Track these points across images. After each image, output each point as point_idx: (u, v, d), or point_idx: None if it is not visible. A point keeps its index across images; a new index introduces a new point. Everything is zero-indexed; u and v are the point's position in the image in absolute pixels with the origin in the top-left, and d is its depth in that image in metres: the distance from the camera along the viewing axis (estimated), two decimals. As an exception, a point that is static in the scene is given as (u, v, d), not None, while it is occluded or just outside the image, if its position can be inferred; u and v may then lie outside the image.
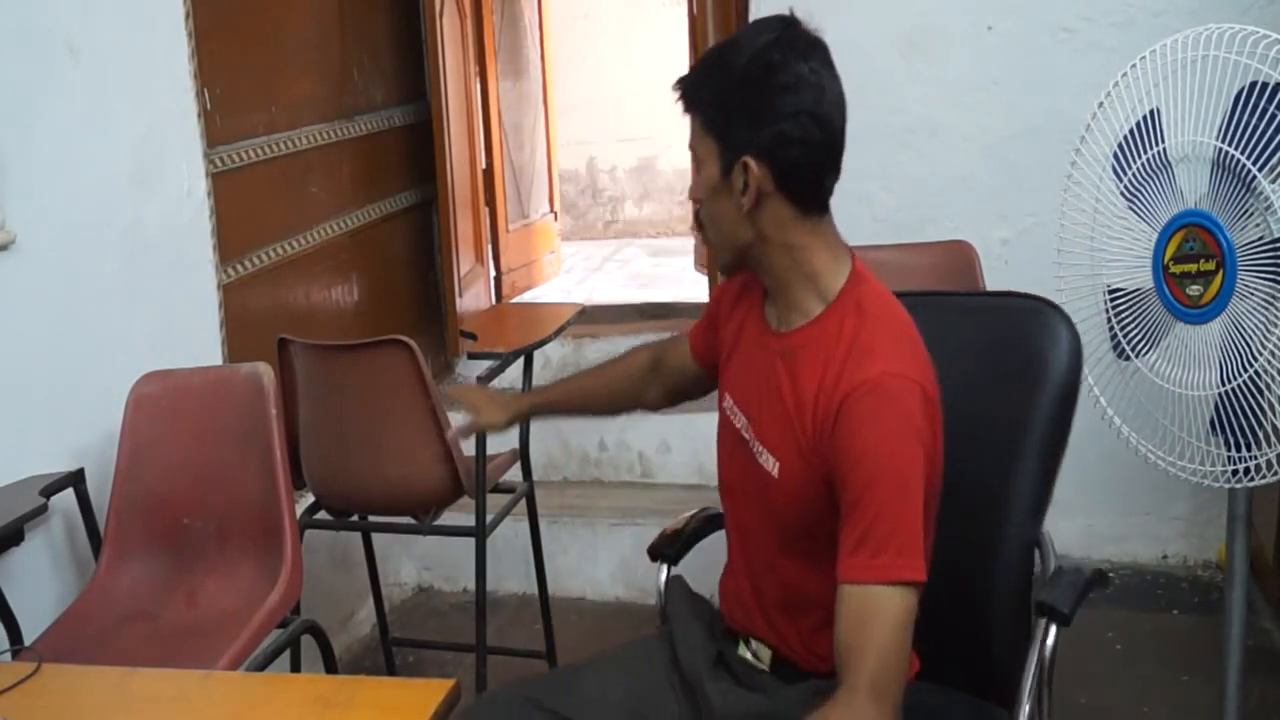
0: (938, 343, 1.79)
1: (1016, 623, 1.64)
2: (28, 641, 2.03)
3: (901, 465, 1.36)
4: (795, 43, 1.42)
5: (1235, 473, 1.95)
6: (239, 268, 2.85)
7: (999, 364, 1.73)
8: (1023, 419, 1.67)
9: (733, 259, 1.53)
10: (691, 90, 1.48)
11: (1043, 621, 1.56)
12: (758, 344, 1.56)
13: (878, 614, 1.33)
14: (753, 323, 1.58)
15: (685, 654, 1.65)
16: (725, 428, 1.61)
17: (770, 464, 1.50)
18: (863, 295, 1.47)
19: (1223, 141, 1.89)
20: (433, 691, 1.37)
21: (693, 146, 1.49)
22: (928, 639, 1.49)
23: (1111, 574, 3.37)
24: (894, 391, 1.38)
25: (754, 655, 1.60)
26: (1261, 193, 1.84)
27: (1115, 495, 3.18)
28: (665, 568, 1.84)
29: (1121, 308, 2.10)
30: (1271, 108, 1.82)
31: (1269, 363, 1.86)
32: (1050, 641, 1.55)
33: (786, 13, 1.46)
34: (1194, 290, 1.97)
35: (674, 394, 1.87)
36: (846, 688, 1.31)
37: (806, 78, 1.41)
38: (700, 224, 1.55)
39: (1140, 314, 2.08)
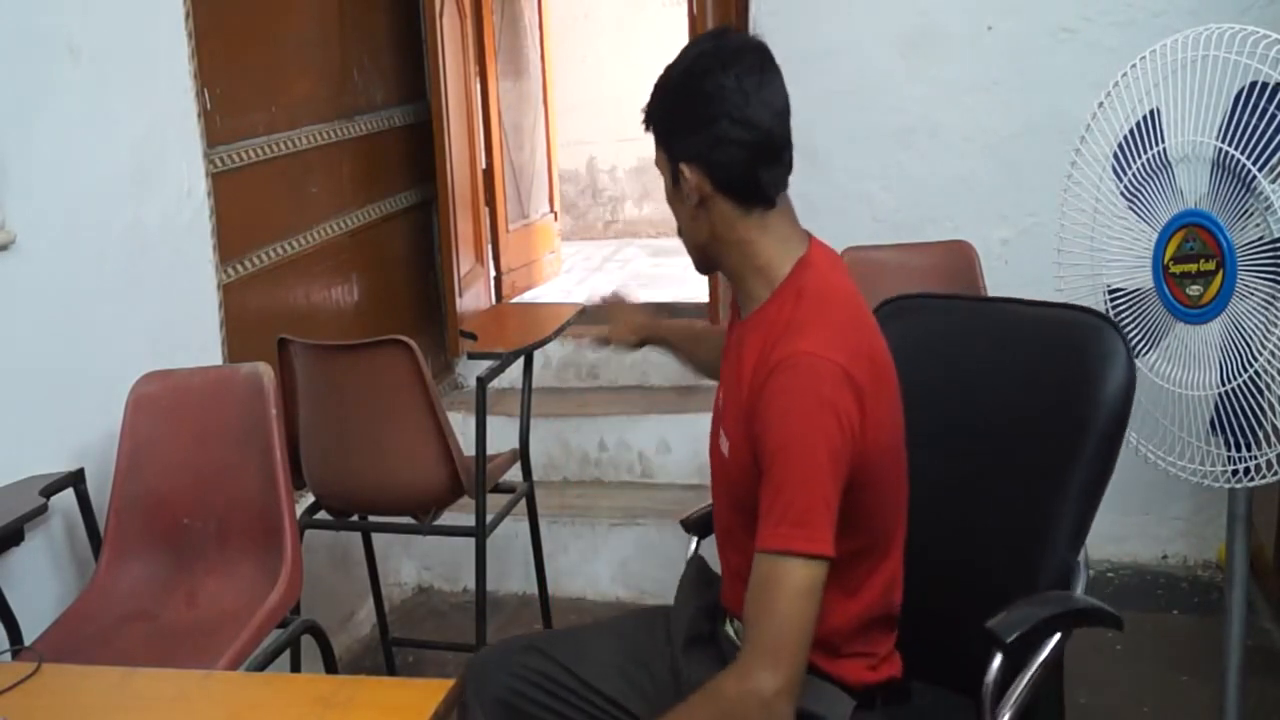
0: (989, 352, 1.77)
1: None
2: (28, 641, 2.03)
3: (808, 440, 1.41)
4: (720, 53, 1.52)
5: (1235, 473, 1.95)
6: (239, 268, 2.85)
7: (1051, 383, 1.68)
8: (1070, 445, 1.62)
9: (699, 259, 1.65)
10: (647, 110, 1.59)
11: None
12: (732, 335, 1.66)
13: (777, 582, 1.38)
14: (734, 316, 1.67)
15: (674, 627, 1.73)
16: (714, 418, 1.69)
17: (725, 445, 1.59)
18: (804, 281, 1.53)
19: (1223, 141, 1.89)
20: (433, 691, 1.37)
21: (656, 161, 1.60)
22: (953, 648, 1.49)
23: (1111, 574, 3.38)
24: (809, 369, 1.43)
25: (735, 633, 1.65)
26: (1261, 193, 1.85)
27: (1115, 495, 3.16)
28: (694, 542, 1.93)
29: (1121, 308, 2.10)
30: (1271, 108, 1.82)
31: (1269, 363, 1.86)
32: (996, 666, 1.48)
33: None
34: (1194, 290, 1.97)
35: None
36: (744, 652, 1.39)
37: (729, 85, 1.49)
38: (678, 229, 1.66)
39: (1140, 314, 2.08)
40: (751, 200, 1.53)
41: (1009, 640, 1.46)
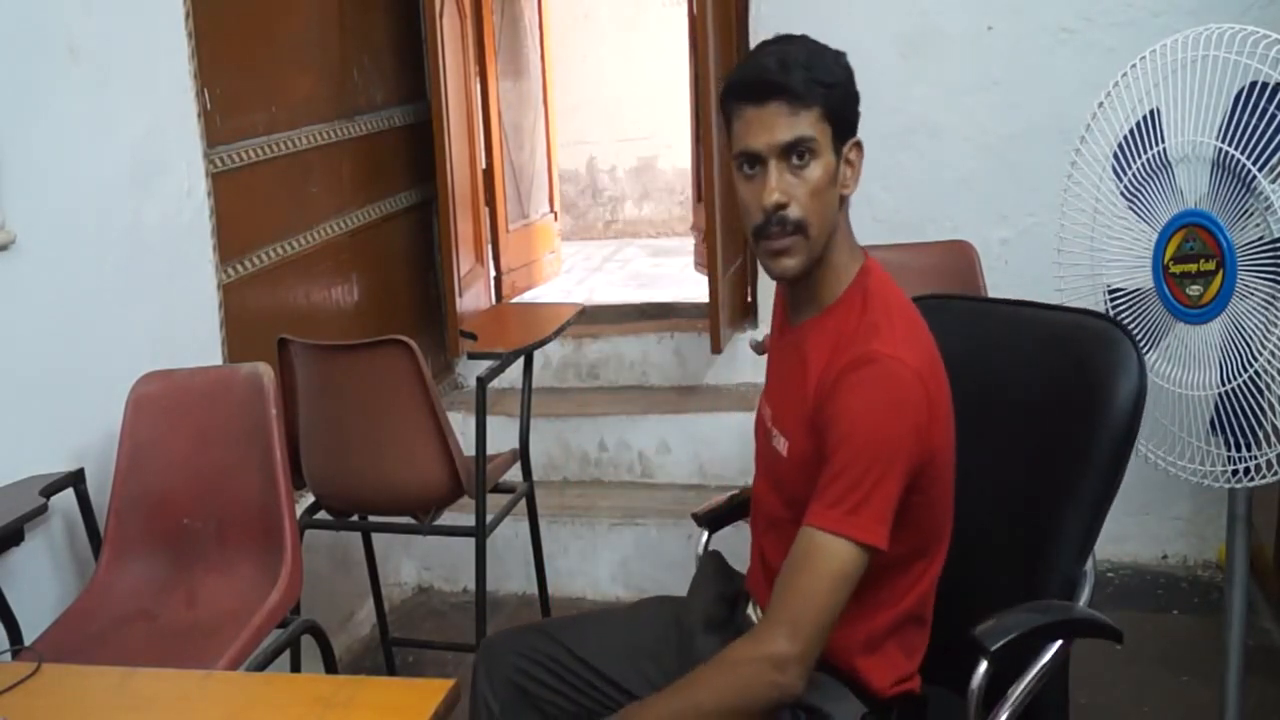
0: (1004, 355, 1.76)
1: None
2: (28, 641, 2.03)
3: (878, 433, 1.43)
4: None
5: (1235, 473, 1.95)
6: (239, 268, 2.85)
7: (1062, 389, 1.66)
8: (1081, 453, 1.60)
9: (814, 259, 1.55)
10: (818, 79, 1.51)
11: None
12: (780, 341, 1.68)
13: (816, 560, 1.41)
14: (778, 324, 1.70)
15: (689, 613, 1.76)
16: (759, 423, 1.71)
17: (782, 445, 1.59)
18: (869, 285, 1.57)
19: (1223, 141, 1.89)
20: (433, 691, 1.37)
21: (795, 141, 1.50)
22: (958, 652, 1.48)
23: (1111, 574, 3.38)
24: (887, 369, 1.46)
25: (757, 617, 1.68)
26: (1261, 193, 1.85)
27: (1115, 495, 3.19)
28: (705, 535, 1.96)
29: (1121, 308, 2.10)
30: (1271, 108, 1.82)
31: (1269, 363, 1.86)
32: (981, 672, 1.46)
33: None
34: (1194, 290, 1.97)
35: None
36: (767, 619, 1.42)
37: None
38: (787, 230, 1.52)
39: (1140, 314, 2.08)
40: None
41: (993, 648, 1.46)
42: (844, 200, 1.57)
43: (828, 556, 1.41)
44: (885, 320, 1.51)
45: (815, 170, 1.51)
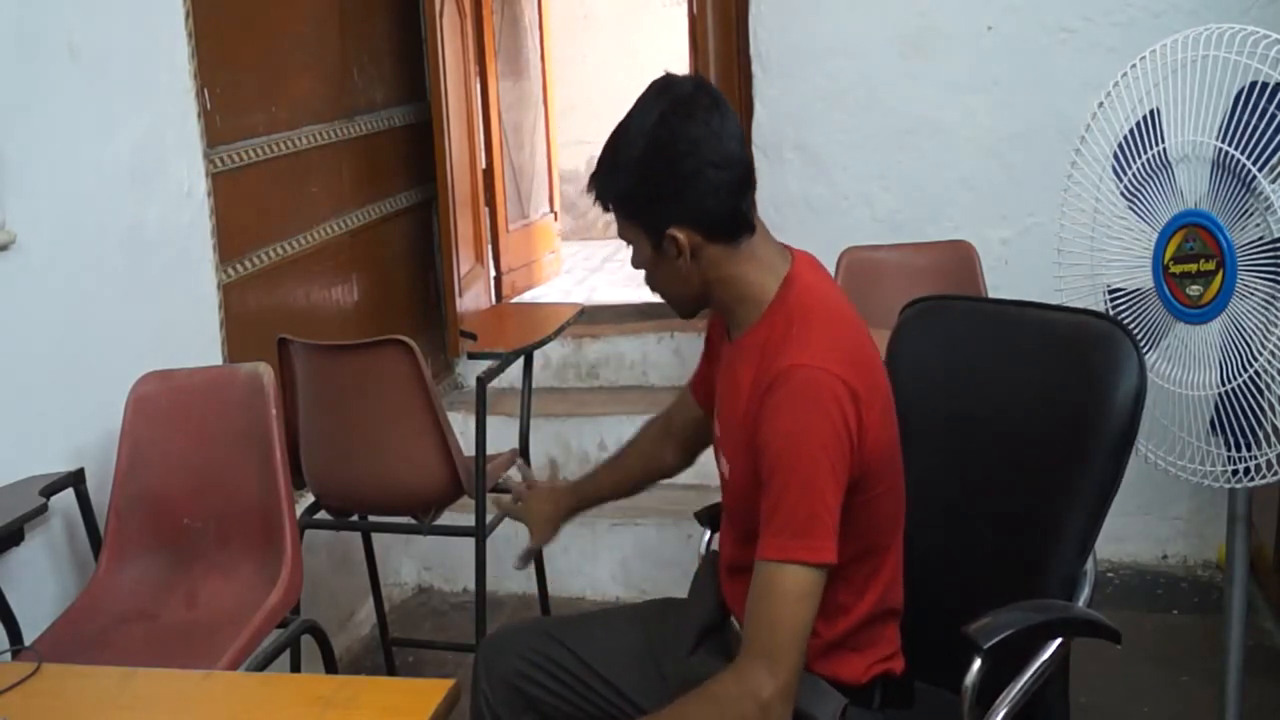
0: (1005, 356, 1.76)
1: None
2: (28, 641, 2.03)
3: (806, 452, 1.43)
4: (677, 107, 1.49)
5: (1235, 473, 1.95)
6: (239, 268, 2.85)
7: (1062, 389, 1.66)
8: (1080, 453, 1.59)
9: (688, 307, 1.64)
10: (601, 191, 1.56)
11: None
12: (723, 356, 1.67)
13: (775, 589, 1.42)
14: (721, 338, 1.70)
15: (683, 618, 1.75)
16: (714, 445, 1.71)
17: (725, 467, 1.61)
18: (791, 298, 1.55)
19: (1223, 141, 1.89)
20: (433, 691, 1.37)
21: (620, 233, 1.59)
22: (957, 651, 1.48)
23: (1111, 574, 3.38)
24: (804, 381, 1.45)
25: (738, 627, 1.67)
26: (1261, 193, 1.85)
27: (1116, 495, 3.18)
28: (707, 535, 1.95)
29: (1121, 308, 2.10)
30: (1271, 108, 1.82)
31: (1269, 363, 1.86)
32: (975, 669, 1.46)
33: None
34: (1194, 290, 1.97)
35: (692, 447, 1.95)
36: (744, 655, 1.43)
37: (699, 135, 1.48)
38: (651, 286, 1.64)
39: (1140, 314, 2.08)
40: (739, 234, 1.54)
41: (986, 645, 1.45)
42: (694, 265, 1.53)
43: (785, 584, 1.42)
44: (802, 330, 1.50)
45: (638, 255, 1.59)
